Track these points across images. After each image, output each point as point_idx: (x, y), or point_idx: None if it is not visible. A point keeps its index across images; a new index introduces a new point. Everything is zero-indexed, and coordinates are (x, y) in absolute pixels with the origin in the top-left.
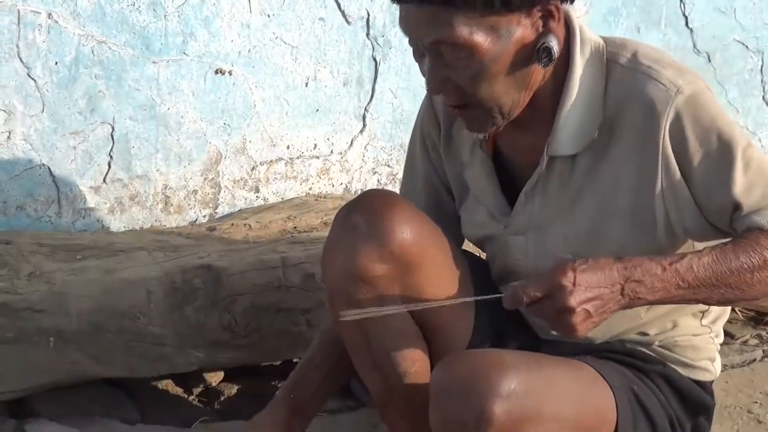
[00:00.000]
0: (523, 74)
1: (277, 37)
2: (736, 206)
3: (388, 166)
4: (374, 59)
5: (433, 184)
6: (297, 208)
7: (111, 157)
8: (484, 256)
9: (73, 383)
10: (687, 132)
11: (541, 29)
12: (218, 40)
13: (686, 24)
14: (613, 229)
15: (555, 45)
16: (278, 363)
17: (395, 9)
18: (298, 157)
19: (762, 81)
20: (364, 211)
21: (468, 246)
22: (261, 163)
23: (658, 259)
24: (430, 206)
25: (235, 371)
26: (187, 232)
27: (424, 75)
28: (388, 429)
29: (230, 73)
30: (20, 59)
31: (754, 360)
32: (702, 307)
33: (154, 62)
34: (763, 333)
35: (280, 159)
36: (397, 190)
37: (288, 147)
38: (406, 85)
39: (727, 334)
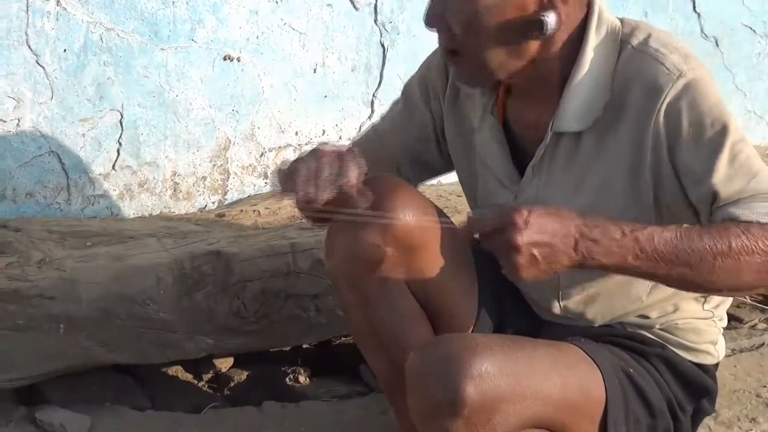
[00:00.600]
0: (516, 41)
1: (285, 24)
2: (715, 196)
3: None
4: (382, 45)
5: (426, 132)
6: None
7: (120, 143)
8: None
9: (83, 370)
10: (682, 114)
11: (546, 2)
12: (226, 26)
13: (693, 8)
14: (614, 208)
15: (551, 22)
16: (288, 349)
17: None
18: (306, 143)
19: None
20: None
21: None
22: (270, 150)
23: (621, 224)
24: (413, 154)
25: (245, 357)
26: (196, 219)
27: None
28: (395, 412)
29: (238, 59)
30: (29, 46)
31: (763, 344)
32: None
33: (162, 49)
34: None
35: (289, 145)
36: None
37: (296, 133)
38: (414, 71)
39: (735, 318)
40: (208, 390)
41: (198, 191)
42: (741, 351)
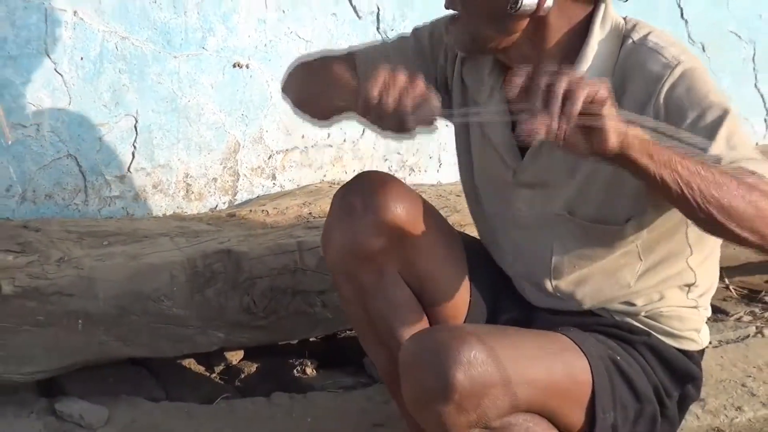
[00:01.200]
0: (502, 15)
1: (292, 32)
2: (716, 161)
3: (398, 153)
4: None
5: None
6: (312, 194)
7: (135, 147)
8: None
9: (100, 363)
10: (682, 98)
11: None
12: (236, 35)
13: (681, 15)
14: (602, 196)
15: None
16: (295, 342)
17: (404, 3)
18: (312, 146)
19: (754, 69)
20: (360, 191)
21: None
22: (277, 152)
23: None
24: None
25: (255, 350)
26: (207, 219)
27: None
28: (396, 403)
29: (247, 66)
30: (47, 55)
31: (748, 336)
32: (689, 280)
33: (175, 57)
34: (756, 309)
35: (296, 148)
36: (406, 177)
37: (303, 136)
38: None
39: (721, 311)
40: (219, 381)
41: (209, 192)
42: (727, 342)
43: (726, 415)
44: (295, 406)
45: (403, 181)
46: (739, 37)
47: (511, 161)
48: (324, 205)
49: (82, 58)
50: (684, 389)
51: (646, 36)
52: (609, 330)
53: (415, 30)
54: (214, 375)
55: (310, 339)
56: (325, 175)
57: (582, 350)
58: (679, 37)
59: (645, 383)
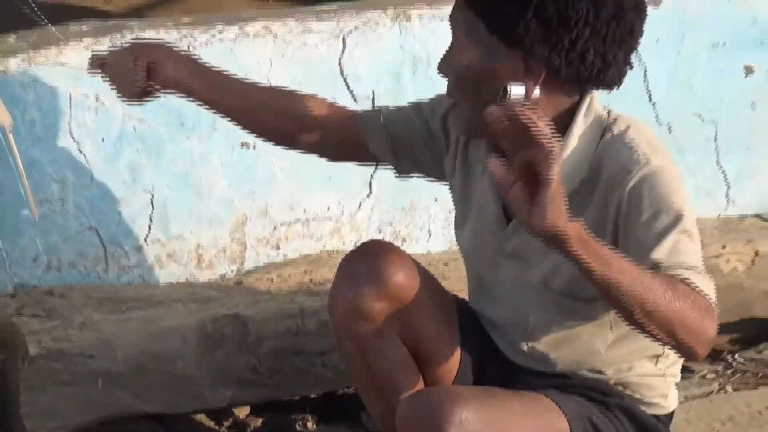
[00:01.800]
0: (490, 103)
1: None
2: (654, 265)
3: (391, 225)
4: None
5: (418, 135)
6: (313, 263)
7: (151, 220)
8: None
9: (118, 418)
10: (643, 195)
11: (521, 75)
12: None
13: (649, 99)
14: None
15: (515, 92)
16: (297, 398)
17: (398, 91)
18: (313, 219)
19: (716, 148)
20: (364, 259)
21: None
22: (281, 224)
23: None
24: (391, 131)
25: (260, 406)
26: (217, 286)
27: None
28: None
29: (254, 146)
30: (72, 136)
31: (712, 392)
32: (658, 351)
33: (188, 138)
34: (719, 368)
35: (298, 220)
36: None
37: (305, 210)
38: None
39: (687, 369)
40: None
41: (219, 261)
42: (693, 398)
43: None
44: None
45: (403, 249)
46: (702, 118)
47: (498, 232)
48: (324, 273)
49: (103, 139)
50: None
51: (625, 131)
52: (586, 392)
53: (415, 103)
54: (223, 429)
55: (311, 396)
56: (324, 245)
57: (562, 411)
58: (648, 118)
59: None
